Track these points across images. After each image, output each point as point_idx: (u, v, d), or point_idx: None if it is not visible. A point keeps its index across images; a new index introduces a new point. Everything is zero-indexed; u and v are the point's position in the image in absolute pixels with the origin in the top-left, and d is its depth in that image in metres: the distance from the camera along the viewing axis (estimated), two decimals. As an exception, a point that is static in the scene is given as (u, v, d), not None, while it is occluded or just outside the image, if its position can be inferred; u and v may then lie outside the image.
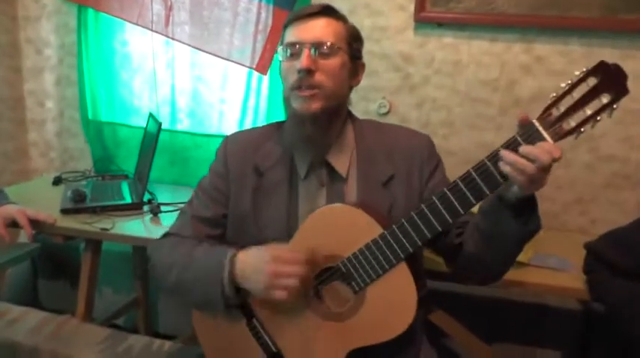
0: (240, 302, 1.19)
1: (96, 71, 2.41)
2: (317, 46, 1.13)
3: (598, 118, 0.93)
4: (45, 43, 2.50)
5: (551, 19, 1.90)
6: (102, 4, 2.29)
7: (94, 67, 2.40)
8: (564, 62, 1.92)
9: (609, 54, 1.91)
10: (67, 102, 2.52)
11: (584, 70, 0.94)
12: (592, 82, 0.93)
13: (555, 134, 0.95)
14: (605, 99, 0.92)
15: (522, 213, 1.04)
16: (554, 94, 0.95)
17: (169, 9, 2.19)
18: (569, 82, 0.94)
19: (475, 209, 1.06)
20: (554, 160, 0.93)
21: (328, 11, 1.17)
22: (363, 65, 1.25)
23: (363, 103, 2.07)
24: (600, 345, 1.78)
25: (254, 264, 1.11)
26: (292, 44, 1.15)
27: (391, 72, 2.04)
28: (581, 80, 0.93)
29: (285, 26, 1.20)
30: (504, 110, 1.98)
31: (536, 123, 0.96)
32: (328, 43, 1.13)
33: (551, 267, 1.58)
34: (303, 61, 1.11)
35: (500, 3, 1.91)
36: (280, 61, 1.19)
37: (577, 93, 0.93)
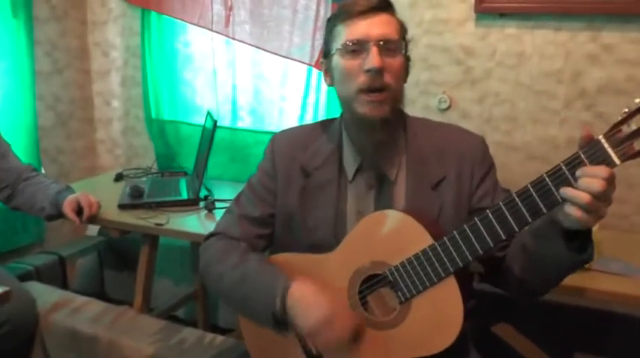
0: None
1: (159, 71, 2.49)
2: (385, 42, 1.08)
3: None
4: (111, 45, 2.62)
5: (622, 3, 1.78)
6: (164, 7, 2.37)
7: (157, 67, 2.49)
8: (637, 50, 1.81)
9: (688, 40, 1.80)
10: (131, 101, 2.62)
11: None
12: None
13: (623, 154, 0.86)
14: None
15: (575, 239, 0.97)
16: (627, 110, 0.86)
17: (229, 9, 2.24)
18: None
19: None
20: (609, 182, 0.86)
21: (388, 6, 1.13)
22: (410, 61, 1.19)
23: (423, 98, 2.04)
24: None
25: (309, 307, 1.06)
26: (357, 41, 1.09)
27: (452, 65, 2.00)
28: None
29: (338, 22, 1.13)
30: (569, 103, 1.90)
31: (603, 141, 0.87)
32: (394, 40, 1.09)
33: (615, 273, 1.49)
34: (374, 60, 1.05)
35: (565, -10, 1.84)
36: (330, 56, 1.14)
37: None
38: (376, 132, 1.11)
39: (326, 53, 1.17)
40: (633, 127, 0.85)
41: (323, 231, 1.17)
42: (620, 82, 1.85)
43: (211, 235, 1.29)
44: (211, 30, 2.30)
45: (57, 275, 2.39)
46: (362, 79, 1.07)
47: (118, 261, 2.75)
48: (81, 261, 2.67)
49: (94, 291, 2.59)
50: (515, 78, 1.94)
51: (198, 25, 2.33)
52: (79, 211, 1.81)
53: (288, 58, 2.19)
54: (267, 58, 2.28)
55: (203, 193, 2.07)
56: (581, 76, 1.88)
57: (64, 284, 2.39)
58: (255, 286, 1.13)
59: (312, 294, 1.07)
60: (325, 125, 1.26)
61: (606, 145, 0.86)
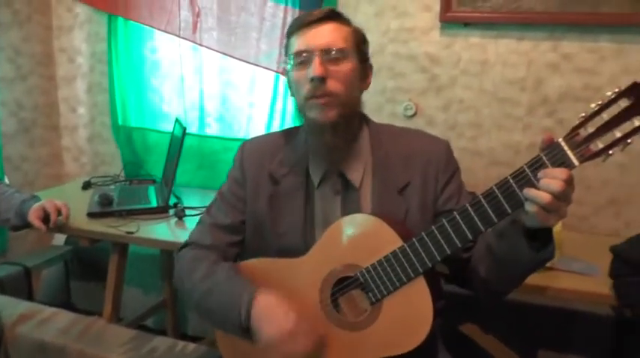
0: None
1: (125, 78, 2.46)
2: (327, 51, 1.11)
3: (628, 141, 0.89)
4: (77, 51, 2.58)
5: (580, 15, 1.86)
6: (131, 13, 2.35)
7: (124, 73, 2.46)
8: (594, 59, 1.89)
9: (641, 50, 1.87)
10: (98, 108, 2.58)
11: (616, 90, 0.90)
12: (624, 103, 0.88)
13: (581, 156, 0.91)
14: (637, 121, 0.88)
15: (536, 239, 1.02)
16: (584, 114, 0.91)
17: (197, 15, 2.24)
18: (600, 102, 0.91)
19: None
20: (568, 183, 0.91)
21: (334, 15, 1.16)
22: (371, 67, 1.23)
23: (389, 105, 2.07)
24: (634, 353, 1.75)
25: (270, 321, 1.07)
26: (301, 52, 1.13)
27: (418, 73, 2.03)
28: (613, 101, 0.89)
29: (290, 34, 1.18)
30: (532, 109, 1.96)
31: (563, 143, 0.92)
32: (337, 48, 1.12)
33: (577, 272, 1.54)
34: (315, 69, 1.09)
35: (527, 0, 1.89)
36: (289, 71, 1.17)
37: (607, 115, 0.90)
38: (326, 136, 1.13)
39: (286, 66, 1.20)
40: (590, 130, 0.90)
41: (292, 237, 1.20)
42: (579, 89, 1.91)
43: (184, 246, 1.30)
44: (179, 36, 2.28)
45: (22, 286, 2.33)
46: (307, 88, 1.12)
47: (85, 270, 2.71)
48: (46, 272, 2.62)
49: (60, 302, 2.54)
50: (480, 85, 1.99)
51: (166, 32, 2.31)
52: (45, 218, 1.78)
53: (255, 65, 2.19)
54: (234, 65, 2.28)
55: (172, 201, 2.06)
56: (543, 84, 1.94)
57: (29, 296, 2.33)
58: (221, 298, 1.15)
59: (276, 306, 1.08)
60: (292, 133, 1.28)
61: (566, 147, 0.91)
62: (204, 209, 1.88)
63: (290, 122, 2.24)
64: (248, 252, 1.27)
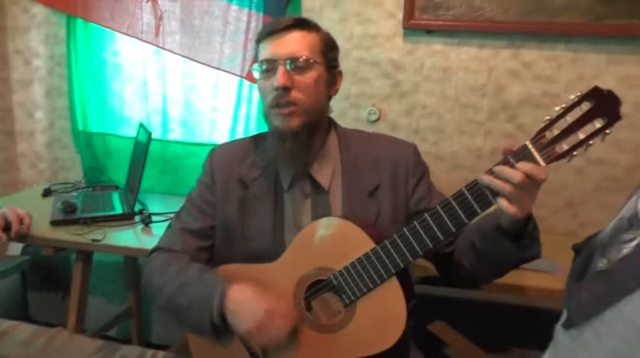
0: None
1: (86, 81, 2.40)
2: (292, 60, 1.13)
3: (591, 142, 0.94)
4: (34, 53, 2.49)
5: (539, 25, 1.92)
6: (91, 14, 2.29)
7: (84, 77, 2.40)
8: (552, 67, 1.95)
9: (595, 59, 1.93)
10: (57, 113, 2.50)
11: (579, 94, 0.94)
12: (586, 106, 0.93)
13: (547, 157, 0.96)
14: (598, 124, 0.93)
15: (521, 239, 1.05)
16: (548, 117, 0.96)
17: (159, 18, 2.20)
18: (564, 105, 0.95)
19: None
20: (529, 178, 0.95)
21: (301, 23, 1.17)
22: (340, 73, 1.25)
23: (353, 111, 2.09)
24: None
25: (246, 307, 1.09)
26: (267, 60, 1.15)
27: (381, 79, 2.05)
28: (576, 104, 0.94)
29: (259, 41, 1.19)
30: (493, 115, 2.00)
31: (530, 145, 0.97)
32: (303, 58, 1.13)
33: (542, 270, 1.59)
34: (278, 79, 1.11)
35: (488, 10, 1.93)
36: (257, 79, 1.19)
37: (571, 117, 0.94)
38: (287, 144, 1.15)
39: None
40: (555, 133, 0.95)
41: (261, 241, 1.20)
42: (538, 96, 1.97)
43: (154, 250, 1.30)
44: (141, 39, 2.24)
45: (-24, 299, 2.25)
46: (272, 96, 1.14)
47: (45, 281, 2.62)
48: (2, 283, 2.52)
49: (17, 315, 2.46)
50: (442, 91, 2.02)
51: (127, 35, 2.26)
52: (5, 227, 1.72)
53: (219, 69, 2.17)
54: (198, 69, 2.25)
55: (138, 207, 2.03)
56: (504, 90, 1.98)
57: (-16, 309, 2.25)
58: (193, 294, 1.15)
59: (249, 295, 1.10)
60: (262, 138, 1.29)
61: (533, 149, 0.96)
62: (171, 215, 1.88)
63: (254, 127, 2.23)
64: (218, 258, 1.27)
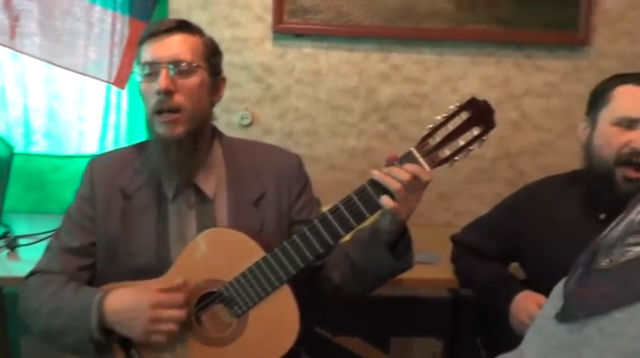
0: (113, 342, 1.13)
1: None
2: (175, 64, 1.10)
3: (470, 148, 1.02)
4: None
5: (405, 30, 2.00)
6: None
7: None
8: (420, 70, 2.03)
9: (460, 61, 2.04)
10: None
11: (458, 104, 1.02)
12: (465, 115, 1.01)
13: (432, 162, 1.03)
14: (476, 131, 1.01)
15: (396, 247, 1.09)
16: (431, 125, 1.02)
17: (15, 19, 2.04)
18: (445, 114, 1.02)
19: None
20: (415, 179, 1.00)
21: (184, 26, 1.15)
22: (223, 79, 1.24)
23: (225, 115, 2.04)
24: (470, 328, 1.86)
25: (130, 309, 1.06)
26: (149, 63, 1.11)
27: (252, 83, 2.04)
28: (455, 113, 1.01)
29: (141, 43, 1.15)
30: (365, 116, 2.05)
31: (414, 151, 1.02)
32: (186, 61, 1.11)
33: (422, 262, 1.62)
34: (161, 83, 1.08)
35: (356, 15, 1.98)
36: (138, 82, 1.15)
37: (452, 125, 1.01)
38: (171, 152, 1.12)
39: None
40: (438, 139, 1.02)
41: (145, 256, 1.15)
42: (408, 96, 2.04)
43: (31, 274, 1.21)
44: (-7, 42, 2.07)
45: None
46: (154, 101, 1.10)
47: None
48: None
49: None
50: (314, 94, 2.04)
51: (-23, 37, 2.08)
52: None
53: (84, 74, 2.04)
54: (62, 75, 2.10)
55: (1, 231, 1.83)
56: (375, 92, 2.04)
57: None
58: (69, 313, 1.09)
59: (128, 300, 1.07)
60: (143, 146, 1.24)
61: (418, 155, 1.02)
62: (40, 236, 1.70)
63: (125, 136, 2.13)
64: (100, 277, 1.20)
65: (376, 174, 1.02)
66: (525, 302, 1.26)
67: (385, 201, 1.01)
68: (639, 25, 2.08)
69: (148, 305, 1.05)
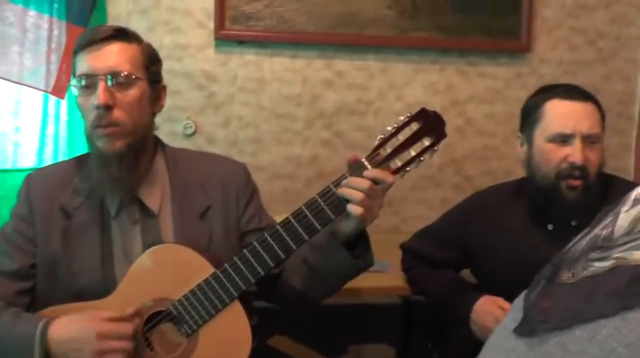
0: None
1: None
2: (112, 75, 1.06)
3: (421, 159, 1.02)
4: None
5: (349, 36, 2.01)
6: None
7: None
8: (363, 76, 2.04)
9: (403, 68, 2.06)
10: None
11: (408, 115, 1.01)
12: (415, 126, 1.01)
13: None
14: (427, 142, 1.01)
15: (354, 248, 1.09)
16: (382, 136, 1.02)
17: (-58, 25, 1.96)
18: (395, 125, 1.01)
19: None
20: (378, 184, 1.00)
21: (121, 34, 1.11)
22: (164, 88, 1.21)
23: (167, 125, 2.00)
24: (422, 333, 1.90)
25: (76, 339, 1.02)
26: (85, 75, 1.07)
27: (194, 91, 2.01)
28: (406, 124, 1.01)
29: (76, 52, 1.11)
30: (310, 123, 2.05)
31: (365, 162, 1.02)
32: (124, 73, 1.07)
33: (372, 270, 1.61)
34: (99, 97, 1.04)
35: (298, 21, 1.97)
36: (75, 95, 1.11)
37: (402, 136, 1.01)
38: (112, 167, 1.08)
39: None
40: (389, 150, 1.02)
41: (89, 276, 1.10)
42: (352, 103, 2.05)
43: None
44: None
45: None
46: (93, 116, 1.06)
47: None
48: None
49: None
50: (257, 102, 2.03)
51: None
52: None
53: (20, 83, 1.97)
54: (-5, 84, 2.03)
55: None
56: (319, 99, 2.04)
57: None
58: (11, 345, 1.04)
59: (73, 329, 1.02)
60: (83, 160, 1.19)
61: (369, 166, 1.01)
62: None
63: (64, 148, 2.05)
64: (41, 300, 1.14)
65: (339, 190, 1.02)
66: (489, 307, 1.27)
67: (353, 208, 1.00)
68: (576, 32, 2.14)
69: (95, 335, 1.00)
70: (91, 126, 1.08)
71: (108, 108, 1.05)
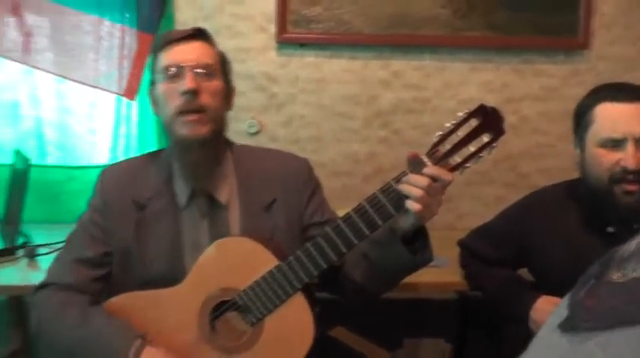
0: None
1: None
2: (199, 67, 1.12)
3: (481, 155, 1.01)
4: None
5: (404, 37, 2.04)
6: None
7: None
8: (419, 76, 2.07)
9: (459, 67, 2.08)
10: None
11: (467, 111, 1.01)
12: (474, 122, 1.01)
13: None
14: (486, 138, 1.01)
15: (414, 244, 1.09)
16: (441, 133, 1.02)
17: (27, 35, 2.11)
18: (454, 121, 1.02)
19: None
20: (436, 181, 1.00)
21: (203, 35, 1.18)
22: (233, 89, 1.26)
23: (232, 124, 2.05)
24: (478, 329, 1.93)
25: None
26: (172, 66, 1.13)
27: (257, 92, 2.08)
28: (465, 120, 1.01)
29: (156, 51, 1.18)
30: (368, 122, 2.09)
31: (425, 159, 1.02)
32: (209, 63, 1.14)
33: (431, 265, 1.64)
34: (188, 82, 1.10)
35: (356, 24, 2.02)
36: (154, 85, 1.17)
37: (462, 132, 1.01)
38: (193, 153, 1.14)
39: (152, 83, 1.19)
40: (448, 147, 1.02)
41: (159, 265, 1.16)
42: (409, 102, 2.08)
43: (42, 286, 1.20)
44: (7, 58, 2.13)
45: None
46: (179, 102, 1.11)
47: None
48: None
49: None
50: (318, 102, 2.08)
51: (-9, 53, 2.15)
52: None
53: (95, 87, 2.10)
54: (73, 89, 2.17)
55: (20, 240, 1.87)
56: (376, 99, 2.08)
57: None
58: (99, 350, 1.09)
59: None
60: (154, 156, 1.26)
61: (429, 163, 1.02)
62: (57, 245, 1.70)
63: (135, 147, 2.18)
64: (114, 286, 1.21)
65: (398, 186, 1.02)
66: (548, 307, 1.27)
67: (412, 204, 1.01)
68: (635, 28, 2.11)
69: None
70: (175, 112, 1.12)
71: (194, 93, 1.10)
